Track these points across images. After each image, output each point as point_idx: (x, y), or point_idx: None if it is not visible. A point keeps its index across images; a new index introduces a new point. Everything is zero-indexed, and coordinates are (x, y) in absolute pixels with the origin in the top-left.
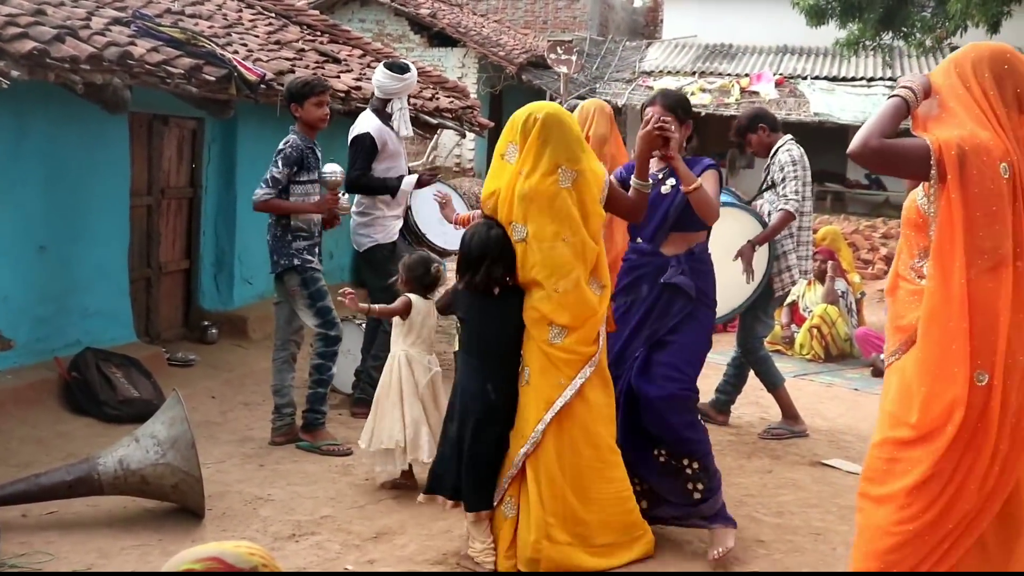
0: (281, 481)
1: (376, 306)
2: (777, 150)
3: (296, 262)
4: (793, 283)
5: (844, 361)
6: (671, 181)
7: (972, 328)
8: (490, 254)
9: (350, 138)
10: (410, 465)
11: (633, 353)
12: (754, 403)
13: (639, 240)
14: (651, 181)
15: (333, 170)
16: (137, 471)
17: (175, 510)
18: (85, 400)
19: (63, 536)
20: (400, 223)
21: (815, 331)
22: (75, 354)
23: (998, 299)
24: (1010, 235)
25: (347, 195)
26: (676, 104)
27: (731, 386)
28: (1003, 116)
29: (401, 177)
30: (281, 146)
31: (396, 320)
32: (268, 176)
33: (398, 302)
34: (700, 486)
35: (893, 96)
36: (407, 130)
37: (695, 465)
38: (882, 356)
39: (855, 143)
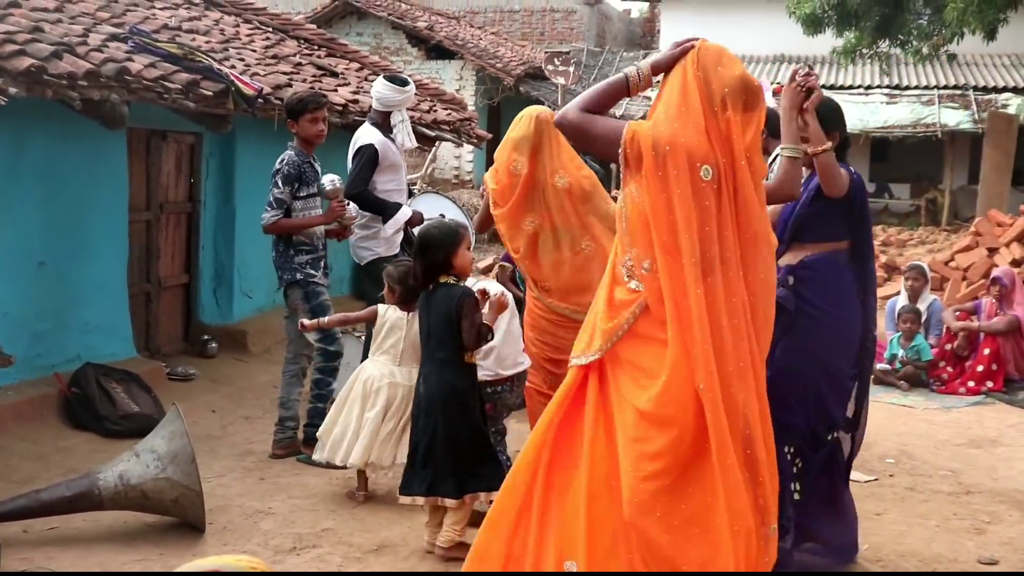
0: (282, 494)
1: (327, 318)
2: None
3: (299, 276)
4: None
5: None
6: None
7: (692, 335)
8: (416, 252)
9: (352, 149)
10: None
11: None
12: None
13: None
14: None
15: (332, 179)
16: (137, 486)
17: (176, 524)
18: (85, 415)
19: (64, 551)
20: (401, 236)
21: None
22: (75, 369)
23: (709, 305)
24: (716, 240)
25: (352, 204)
26: (825, 111)
27: None
28: (720, 116)
29: (398, 205)
30: (278, 165)
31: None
32: (271, 198)
33: (363, 311)
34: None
35: (622, 72)
36: (411, 142)
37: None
38: (881, 364)
39: (558, 112)
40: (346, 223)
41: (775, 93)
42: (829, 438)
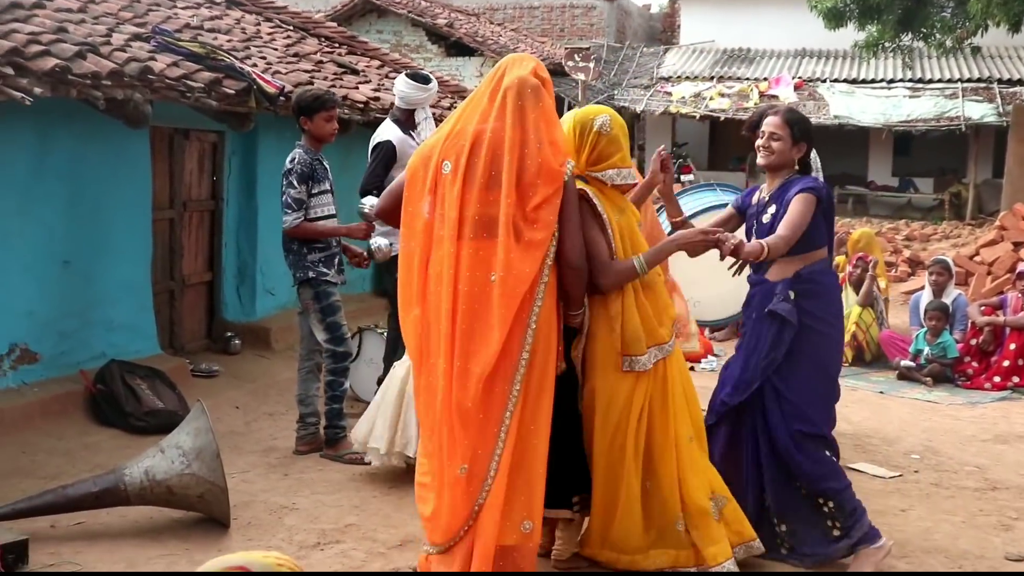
0: (306, 490)
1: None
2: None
3: (311, 275)
4: None
5: (869, 364)
6: (771, 209)
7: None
8: None
9: (371, 144)
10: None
11: (751, 382)
12: None
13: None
14: (755, 208)
15: (373, 203)
16: (163, 481)
17: (201, 520)
18: (111, 412)
19: (91, 546)
20: None
21: (851, 337)
22: (100, 367)
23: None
24: (447, 217)
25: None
26: (796, 122)
27: None
28: (500, 116)
29: None
30: (289, 164)
31: None
32: (289, 200)
33: None
34: (838, 524)
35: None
36: None
37: (830, 504)
38: (905, 360)
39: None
40: (376, 255)
41: (796, 88)
42: None
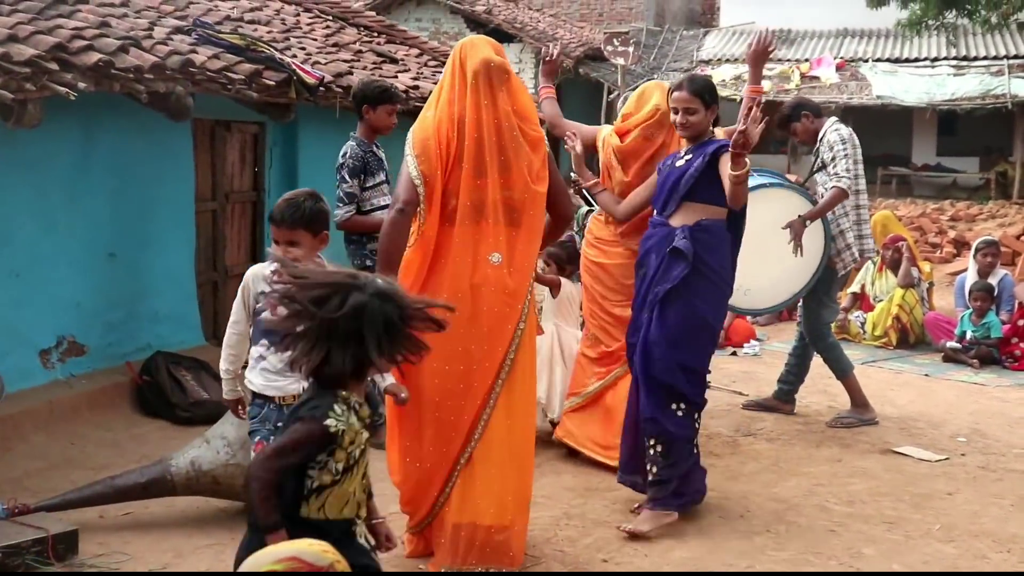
0: None
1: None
2: (825, 132)
3: (369, 263)
4: (854, 262)
5: (914, 347)
6: (687, 156)
7: None
8: None
9: None
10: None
11: (642, 320)
12: (822, 391)
13: (655, 214)
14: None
15: None
16: (209, 472)
17: (247, 509)
18: (157, 403)
19: (139, 536)
20: None
21: (894, 319)
22: (146, 358)
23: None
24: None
25: None
26: (703, 89)
27: (793, 375)
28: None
29: None
30: (341, 159)
31: (548, 298)
32: (341, 194)
33: (554, 277)
34: (655, 469)
35: None
36: None
37: (658, 448)
38: (951, 342)
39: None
40: None
41: (838, 68)
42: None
